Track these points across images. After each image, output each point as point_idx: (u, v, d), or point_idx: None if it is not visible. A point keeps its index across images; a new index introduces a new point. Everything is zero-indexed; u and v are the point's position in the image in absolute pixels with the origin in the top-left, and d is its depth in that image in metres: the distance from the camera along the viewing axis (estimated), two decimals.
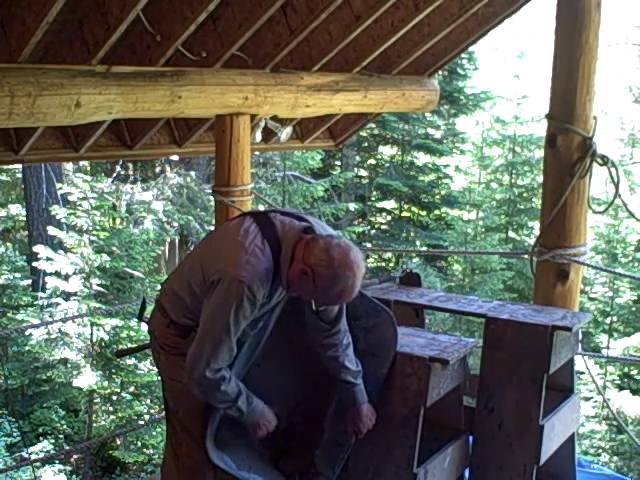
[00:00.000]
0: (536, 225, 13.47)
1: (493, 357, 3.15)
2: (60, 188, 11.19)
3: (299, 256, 2.49)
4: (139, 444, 9.85)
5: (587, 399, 10.76)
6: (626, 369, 11.45)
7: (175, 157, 12.20)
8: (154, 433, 9.62)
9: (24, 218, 13.02)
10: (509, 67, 15.46)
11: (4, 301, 10.73)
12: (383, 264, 15.66)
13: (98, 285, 9.87)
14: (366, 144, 15.97)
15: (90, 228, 9.94)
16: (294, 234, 2.53)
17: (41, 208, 11.99)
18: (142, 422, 9.59)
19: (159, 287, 3.01)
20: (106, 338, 9.45)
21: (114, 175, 13.35)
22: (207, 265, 2.56)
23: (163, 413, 3.27)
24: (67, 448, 9.43)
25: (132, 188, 13.16)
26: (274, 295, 2.59)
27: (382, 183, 15.15)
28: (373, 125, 14.64)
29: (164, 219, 12.55)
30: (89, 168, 13.43)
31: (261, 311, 2.59)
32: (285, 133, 5.22)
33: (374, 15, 4.39)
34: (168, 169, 13.40)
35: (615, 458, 10.52)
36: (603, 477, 4.13)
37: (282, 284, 2.56)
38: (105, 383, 9.38)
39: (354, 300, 2.61)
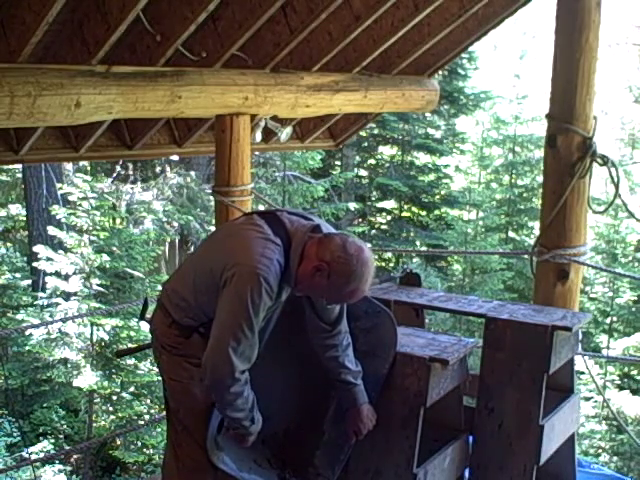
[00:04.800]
0: (536, 225, 13.48)
1: (493, 357, 3.15)
2: (60, 188, 11.20)
3: (311, 253, 2.47)
4: (139, 444, 9.84)
5: (587, 399, 10.77)
6: (626, 369, 11.45)
7: (175, 157, 12.20)
8: (154, 433, 9.62)
9: (24, 218, 13.03)
10: (509, 67, 15.47)
11: (4, 301, 10.72)
12: (383, 264, 15.66)
13: (98, 285, 9.88)
14: (366, 144, 15.97)
15: (90, 228, 9.94)
16: (303, 232, 2.52)
17: (41, 208, 11.99)
18: (142, 422, 9.58)
19: (159, 287, 3.01)
20: (106, 338, 9.45)
21: (114, 175, 13.36)
22: (217, 263, 2.51)
23: (163, 413, 3.26)
24: (67, 448, 9.44)
25: (132, 188, 13.17)
26: (282, 293, 2.57)
27: (382, 183, 15.16)
28: (373, 125, 14.64)
29: (164, 219, 12.55)
30: (89, 168, 13.43)
31: (268, 310, 2.56)
32: (285, 133, 5.22)
33: (374, 15, 4.39)
34: (168, 169, 13.40)
35: (615, 458, 10.53)
36: (603, 477, 4.13)
37: (289, 282, 2.54)
38: (105, 383, 9.38)
39: None
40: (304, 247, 2.49)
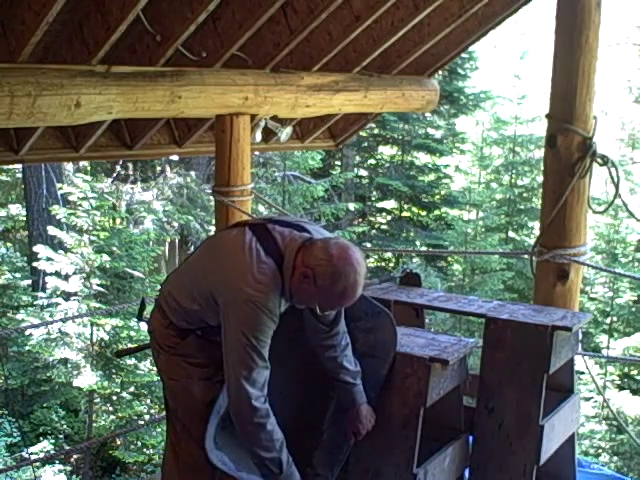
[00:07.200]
0: (536, 225, 13.48)
1: (493, 357, 3.15)
2: (60, 188, 11.21)
3: (299, 263, 2.47)
4: (139, 444, 9.86)
5: (587, 399, 10.77)
6: (626, 369, 11.46)
7: (175, 157, 12.21)
8: (154, 433, 9.63)
9: (24, 218, 13.04)
10: (509, 67, 15.46)
11: (4, 301, 10.74)
12: (383, 264, 15.67)
13: (98, 285, 9.88)
14: (366, 144, 15.97)
15: (90, 228, 9.95)
16: (295, 246, 2.52)
17: (41, 208, 12.00)
18: (142, 422, 9.59)
19: (159, 287, 2.99)
20: (106, 338, 9.46)
21: (114, 175, 13.37)
22: (212, 281, 2.53)
23: (163, 413, 3.26)
24: (67, 448, 9.44)
25: (132, 188, 13.18)
26: (281, 308, 2.57)
27: (382, 183, 15.16)
28: (373, 125, 14.65)
29: (164, 219, 12.56)
30: (89, 168, 13.44)
31: None
32: (285, 133, 5.22)
33: (374, 15, 4.39)
34: (168, 169, 13.41)
35: (615, 458, 10.53)
36: (603, 477, 4.13)
37: (285, 296, 2.54)
38: (105, 383, 9.38)
39: None
40: (295, 259, 2.49)
